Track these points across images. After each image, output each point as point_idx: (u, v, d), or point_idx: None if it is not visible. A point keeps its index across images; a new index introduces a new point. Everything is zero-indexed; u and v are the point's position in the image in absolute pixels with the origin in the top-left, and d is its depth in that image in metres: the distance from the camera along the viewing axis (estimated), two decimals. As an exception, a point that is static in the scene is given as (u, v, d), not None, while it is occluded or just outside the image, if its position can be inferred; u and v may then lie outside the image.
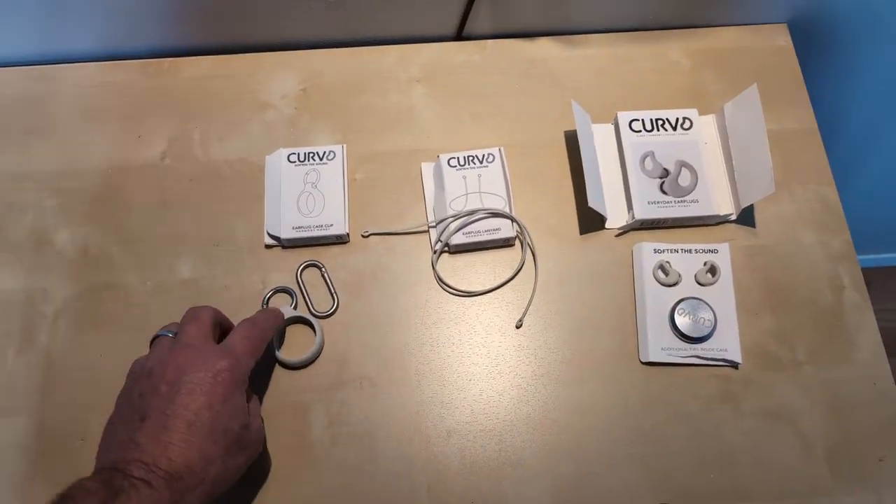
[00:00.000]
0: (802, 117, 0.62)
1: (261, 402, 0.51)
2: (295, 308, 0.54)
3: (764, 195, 0.54)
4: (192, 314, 0.47)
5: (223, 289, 0.56)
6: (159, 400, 0.41)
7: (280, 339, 0.54)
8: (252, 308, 0.55)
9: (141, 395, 0.42)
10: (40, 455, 0.51)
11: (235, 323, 0.49)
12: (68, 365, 0.53)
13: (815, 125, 0.62)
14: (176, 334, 0.47)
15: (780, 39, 0.65)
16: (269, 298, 0.55)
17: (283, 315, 0.52)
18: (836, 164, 0.61)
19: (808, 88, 0.63)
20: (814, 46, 0.66)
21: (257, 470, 0.50)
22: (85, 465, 0.50)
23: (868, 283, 0.56)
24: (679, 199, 0.56)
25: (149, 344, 0.48)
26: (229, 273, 0.56)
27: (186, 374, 0.42)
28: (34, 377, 0.53)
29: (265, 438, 0.48)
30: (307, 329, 0.54)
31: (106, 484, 0.37)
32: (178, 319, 0.54)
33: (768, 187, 0.53)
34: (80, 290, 0.56)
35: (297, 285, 0.56)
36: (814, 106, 0.62)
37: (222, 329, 0.49)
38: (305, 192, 0.57)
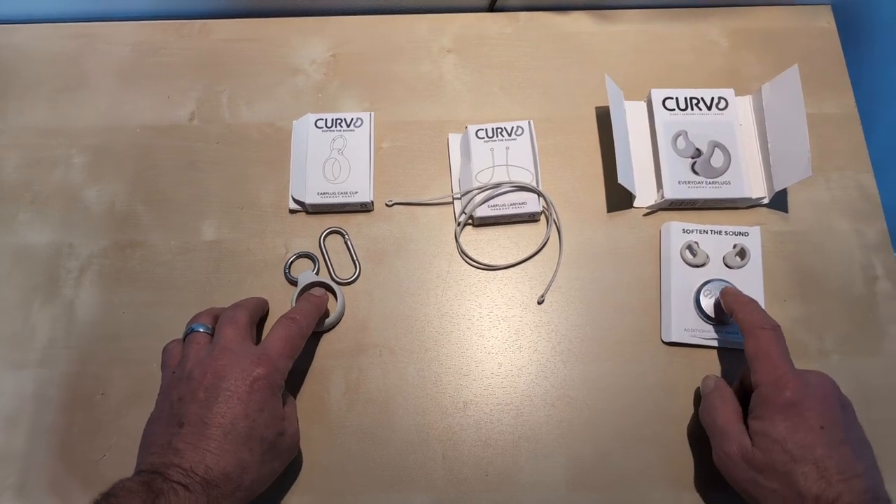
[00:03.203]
0: (842, 102, 0.60)
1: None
2: (317, 274, 0.54)
3: (800, 178, 0.52)
4: (230, 316, 0.47)
5: (246, 251, 0.56)
6: (197, 406, 0.42)
7: (322, 317, 0.52)
8: (274, 272, 0.55)
9: (180, 400, 0.43)
10: (61, 407, 0.51)
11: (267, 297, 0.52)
12: (91, 320, 0.54)
13: (856, 111, 0.60)
14: (212, 333, 0.47)
15: (823, 21, 0.63)
16: (291, 263, 0.55)
17: (326, 302, 0.52)
18: (875, 151, 0.59)
19: (849, 73, 0.61)
20: (858, 30, 0.64)
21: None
22: (104, 419, 0.51)
23: (903, 274, 0.54)
24: (711, 180, 0.55)
25: (182, 337, 0.48)
26: (253, 236, 0.56)
27: (224, 381, 0.43)
28: (58, 330, 0.54)
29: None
30: (328, 295, 0.54)
31: (146, 486, 0.38)
32: (201, 281, 0.55)
33: (805, 171, 0.52)
34: (106, 246, 0.56)
35: (319, 251, 0.55)
36: (854, 91, 0.61)
37: (261, 319, 0.51)
38: (331, 159, 0.57)
